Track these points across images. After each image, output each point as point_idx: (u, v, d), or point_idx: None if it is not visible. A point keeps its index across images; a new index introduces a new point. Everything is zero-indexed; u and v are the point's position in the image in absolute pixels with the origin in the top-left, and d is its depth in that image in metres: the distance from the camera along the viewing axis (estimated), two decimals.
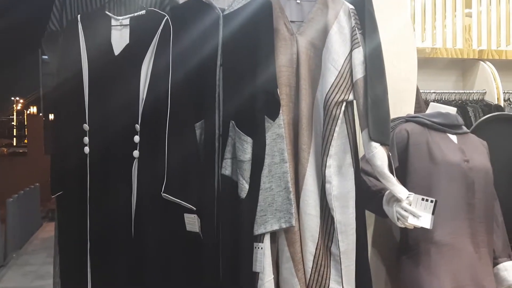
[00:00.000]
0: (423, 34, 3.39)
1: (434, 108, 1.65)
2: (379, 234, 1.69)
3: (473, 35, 3.49)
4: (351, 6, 1.44)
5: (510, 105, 3.41)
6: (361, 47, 1.42)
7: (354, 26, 1.43)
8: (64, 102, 1.53)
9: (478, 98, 3.35)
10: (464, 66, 3.54)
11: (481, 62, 3.39)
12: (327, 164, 1.42)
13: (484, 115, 3.02)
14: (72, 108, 1.49)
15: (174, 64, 1.43)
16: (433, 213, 1.36)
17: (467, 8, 3.46)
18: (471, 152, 1.56)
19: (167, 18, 1.45)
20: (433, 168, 1.50)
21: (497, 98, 3.26)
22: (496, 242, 1.57)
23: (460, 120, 1.63)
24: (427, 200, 1.37)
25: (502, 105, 3.24)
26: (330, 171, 1.42)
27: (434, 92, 3.30)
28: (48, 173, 1.53)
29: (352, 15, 1.44)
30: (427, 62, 3.40)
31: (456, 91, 3.39)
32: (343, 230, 1.42)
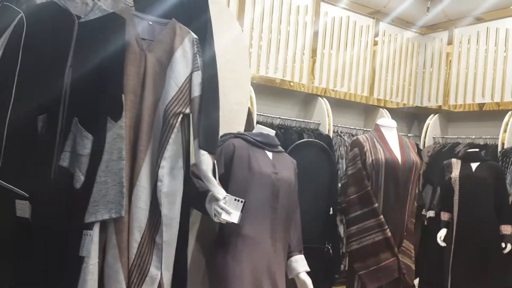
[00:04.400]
0: (276, 66, 3.88)
1: (258, 129, 2.01)
2: (203, 231, 1.96)
3: (316, 74, 4.11)
4: (195, 36, 1.72)
5: (337, 136, 4.09)
6: (200, 71, 1.70)
7: (196, 52, 1.70)
8: None
9: (314, 127, 3.96)
10: (307, 99, 4.15)
11: (320, 98, 4.02)
12: (161, 165, 1.64)
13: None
14: None
15: (24, 59, 1.51)
16: (241, 211, 1.68)
17: (313, 50, 4.08)
18: (281, 167, 1.94)
19: (22, 15, 1.53)
20: (250, 177, 1.84)
21: (328, 130, 3.90)
22: (292, 239, 1.97)
23: (277, 141, 2.01)
24: (238, 201, 1.69)
25: (331, 136, 3.87)
26: (163, 171, 1.64)
27: (279, 118, 3.82)
28: None
29: (195, 43, 1.71)
30: (277, 91, 3.92)
31: (297, 119, 3.96)
32: (168, 223, 1.65)
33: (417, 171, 2.50)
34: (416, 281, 2.55)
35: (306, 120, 3.96)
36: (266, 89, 3.79)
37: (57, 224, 1.51)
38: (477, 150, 3.41)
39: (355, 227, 2.41)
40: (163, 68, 1.69)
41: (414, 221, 2.55)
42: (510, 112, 3.92)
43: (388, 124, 2.56)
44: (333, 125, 3.94)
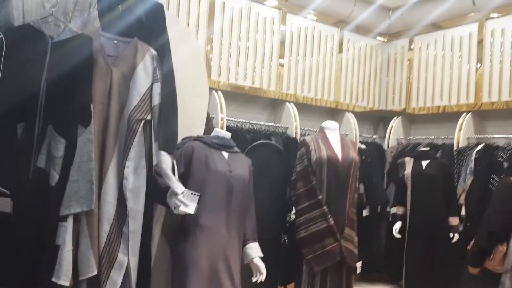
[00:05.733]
0: (245, 73, 4.15)
1: (215, 132, 2.28)
2: (168, 223, 2.21)
3: (284, 81, 4.39)
4: (155, 52, 1.98)
5: None
6: (159, 82, 1.96)
7: (155, 66, 1.96)
8: None
9: (282, 131, 4.23)
10: (275, 104, 4.42)
11: (287, 103, 4.29)
12: (126, 165, 1.89)
13: (283, 144, 3.85)
14: None
15: (4, 75, 1.75)
16: (197, 203, 1.93)
17: (281, 58, 4.36)
18: (236, 165, 2.20)
19: (2, 37, 1.77)
20: (207, 175, 2.10)
21: (295, 133, 4.17)
22: (247, 229, 2.23)
23: (232, 142, 2.27)
24: (194, 194, 1.94)
25: (298, 139, 4.14)
26: (128, 170, 1.89)
27: (248, 122, 4.07)
28: None
29: (155, 58, 1.97)
30: (246, 97, 4.17)
31: (266, 124, 4.22)
32: (133, 215, 1.89)
33: (356, 167, 2.80)
34: (358, 264, 2.83)
35: (275, 124, 4.23)
36: (236, 95, 4.05)
37: (35, 217, 1.75)
38: (428, 149, 3.72)
39: (303, 217, 2.70)
40: (126, 81, 1.94)
41: (355, 211, 2.84)
42: (464, 113, 4.24)
43: (331, 126, 2.86)
44: (301, 129, 4.21)
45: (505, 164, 3.49)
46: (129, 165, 1.90)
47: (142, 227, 1.92)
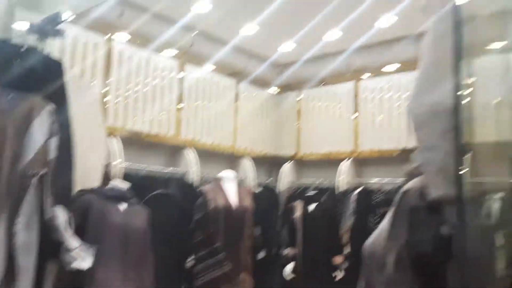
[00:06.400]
0: (143, 119, 4.20)
1: (112, 185, 2.32)
2: (60, 280, 2.15)
3: (182, 127, 4.52)
4: (53, 107, 2.00)
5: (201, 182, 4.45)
6: (56, 137, 1.97)
7: (53, 121, 1.98)
8: None
9: (180, 177, 4.31)
10: (174, 150, 4.52)
11: (186, 149, 4.42)
12: (17, 221, 1.84)
13: (181, 191, 3.93)
14: None
15: None
16: (92, 257, 1.94)
17: (179, 104, 4.51)
18: (132, 217, 2.25)
19: None
20: (103, 228, 2.12)
21: (194, 178, 4.28)
22: (145, 280, 2.26)
23: (129, 194, 2.33)
24: (90, 248, 1.95)
25: (197, 184, 4.25)
26: (19, 227, 1.84)
27: (146, 169, 4.09)
28: None
29: (52, 113, 1.99)
30: (145, 143, 4.21)
31: (164, 170, 4.28)
32: (23, 273, 1.83)
33: (249, 214, 3.03)
34: None
35: (173, 170, 4.30)
36: (133, 141, 4.06)
37: None
38: (314, 193, 4.11)
39: (201, 265, 2.82)
40: (21, 135, 1.92)
41: (250, 255, 3.04)
42: (345, 159, 4.78)
43: (228, 176, 3.08)
44: (201, 174, 4.33)
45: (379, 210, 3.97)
46: (20, 221, 1.85)
47: (33, 285, 1.86)
